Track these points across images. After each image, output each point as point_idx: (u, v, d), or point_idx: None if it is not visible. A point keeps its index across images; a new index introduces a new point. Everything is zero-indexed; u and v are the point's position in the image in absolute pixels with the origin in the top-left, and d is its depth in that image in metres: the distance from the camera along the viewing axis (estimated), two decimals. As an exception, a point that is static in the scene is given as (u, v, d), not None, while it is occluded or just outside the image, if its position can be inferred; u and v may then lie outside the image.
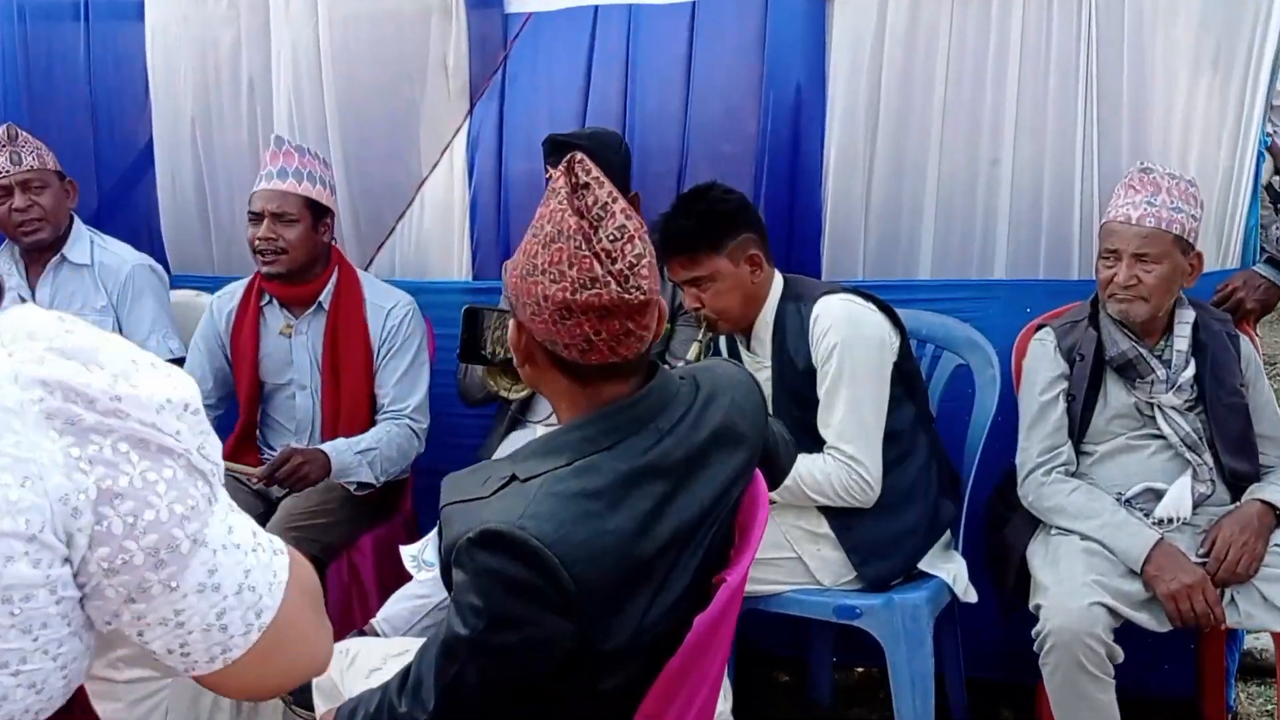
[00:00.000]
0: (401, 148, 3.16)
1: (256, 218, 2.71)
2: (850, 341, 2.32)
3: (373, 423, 2.81)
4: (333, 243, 2.86)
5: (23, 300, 2.89)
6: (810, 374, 2.36)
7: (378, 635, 2.38)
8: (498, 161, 3.09)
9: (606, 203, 1.27)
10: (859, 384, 2.32)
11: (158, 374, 0.86)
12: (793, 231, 2.85)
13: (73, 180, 3.07)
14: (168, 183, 3.40)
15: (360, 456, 2.68)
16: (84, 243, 3.03)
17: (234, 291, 2.90)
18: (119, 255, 3.04)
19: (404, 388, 2.80)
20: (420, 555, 1.73)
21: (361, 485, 2.71)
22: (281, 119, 3.21)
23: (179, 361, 2.93)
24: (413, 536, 2.90)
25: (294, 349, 2.84)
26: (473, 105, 3.11)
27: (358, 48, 3.09)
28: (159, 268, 3.11)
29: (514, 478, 1.29)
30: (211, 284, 3.27)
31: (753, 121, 2.86)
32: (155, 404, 0.84)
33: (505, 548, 1.21)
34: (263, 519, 2.69)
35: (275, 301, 2.84)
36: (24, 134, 2.92)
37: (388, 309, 2.82)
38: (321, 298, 2.80)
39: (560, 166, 1.30)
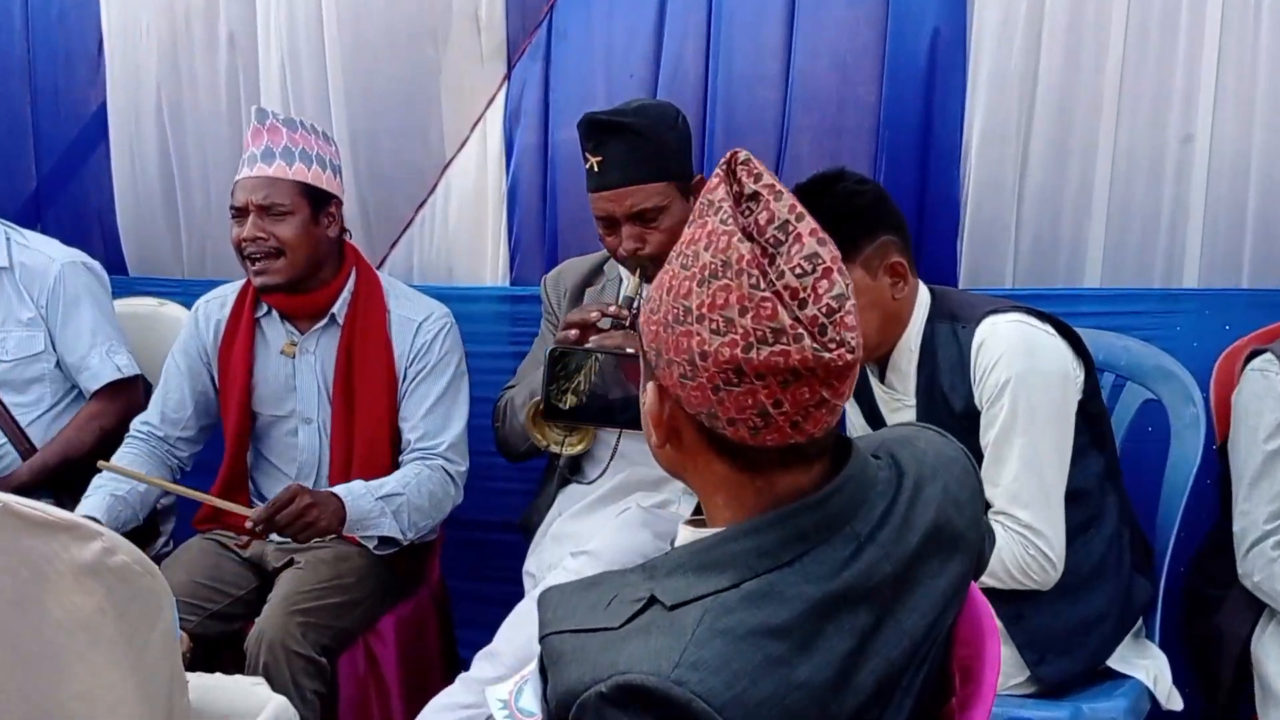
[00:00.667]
0: (421, 121, 2.98)
1: (240, 213, 2.46)
2: (1026, 377, 2.07)
3: (396, 465, 2.57)
4: (347, 238, 2.63)
5: None
6: (971, 418, 2.11)
7: None
8: (543, 138, 2.90)
9: (788, 220, 1.08)
10: (1037, 432, 2.07)
11: None
12: (922, 228, 2.62)
13: None
14: (125, 163, 3.25)
15: (382, 504, 2.41)
16: None
17: (224, 298, 2.67)
18: (43, 253, 2.80)
19: (436, 421, 2.55)
20: (513, 701, 1.58)
21: (383, 542, 2.46)
22: (271, 85, 3.03)
23: (129, 382, 2.78)
24: (444, 615, 2.76)
25: (298, 372, 2.59)
26: (511, 68, 2.91)
27: (366, -3, 2.90)
28: (96, 265, 2.88)
29: (654, 600, 1.11)
30: (179, 289, 3.16)
31: (872, 88, 2.63)
32: None
33: (657, 709, 1.02)
34: (258, 594, 2.49)
35: (275, 313, 2.59)
36: None
37: (418, 322, 2.58)
38: (334, 308, 2.56)
39: (719, 169, 1.11)
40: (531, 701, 1.44)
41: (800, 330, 1.04)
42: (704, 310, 1.07)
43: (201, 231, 3.18)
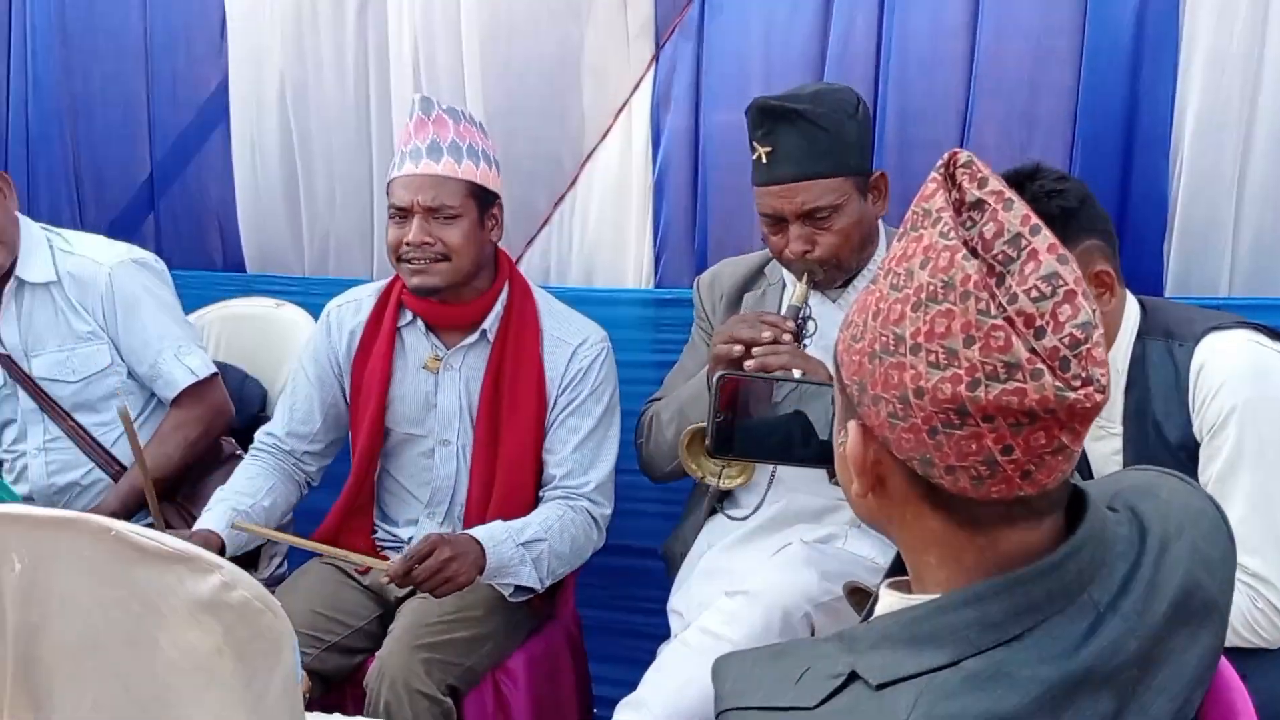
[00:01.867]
0: (561, 106, 2.99)
1: (403, 214, 2.45)
2: (1255, 405, 1.99)
3: (536, 502, 2.56)
4: (499, 246, 2.63)
5: None
6: (1188, 450, 2.05)
7: None
8: (693, 125, 2.91)
9: (1021, 234, 1.00)
10: (1266, 468, 1.99)
11: None
12: (1123, 226, 2.55)
13: (4, 173, 2.82)
14: (245, 152, 3.32)
15: (524, 550, 2.41)
16: (41, 252, 2.78)
17: (360, 301, 2.67)
18: (90, 258, 2.79)
19: (585, 458, 2.54)
20: None
21: (518, 589, 2.46)
22: (403, 66, 3.06)
23: (207, 382, 2.79)
24: (577, 649, 2.76)
25: (440, 389, 2.59)
26: (659, 48, 2.91)
27: (506, -34, 2.91)
28: (149, 258, 2.87)
29: (855, 677, 1.06)
30: (298, 289, 3.22)
31: (1068, 70, 2.58)
32: None
33: None
34: (380, 625, 2.52)
35: (420, 322, 2.59)
36: None
37: (574, 346, 2.57)
38: (486, 323, 2.55)
39: (936, 173, 1.04)
40: None
41: (1039, 364, 0.98)
42: (920, 339, 1.01)
43: (325, 226, 3.23)
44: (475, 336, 2.57)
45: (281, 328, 2.96)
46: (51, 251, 2.78)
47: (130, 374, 2.80)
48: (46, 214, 3.24)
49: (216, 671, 1.61)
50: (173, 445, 2.73)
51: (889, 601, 1.16)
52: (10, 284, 2.75)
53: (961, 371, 0.98)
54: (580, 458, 2.54)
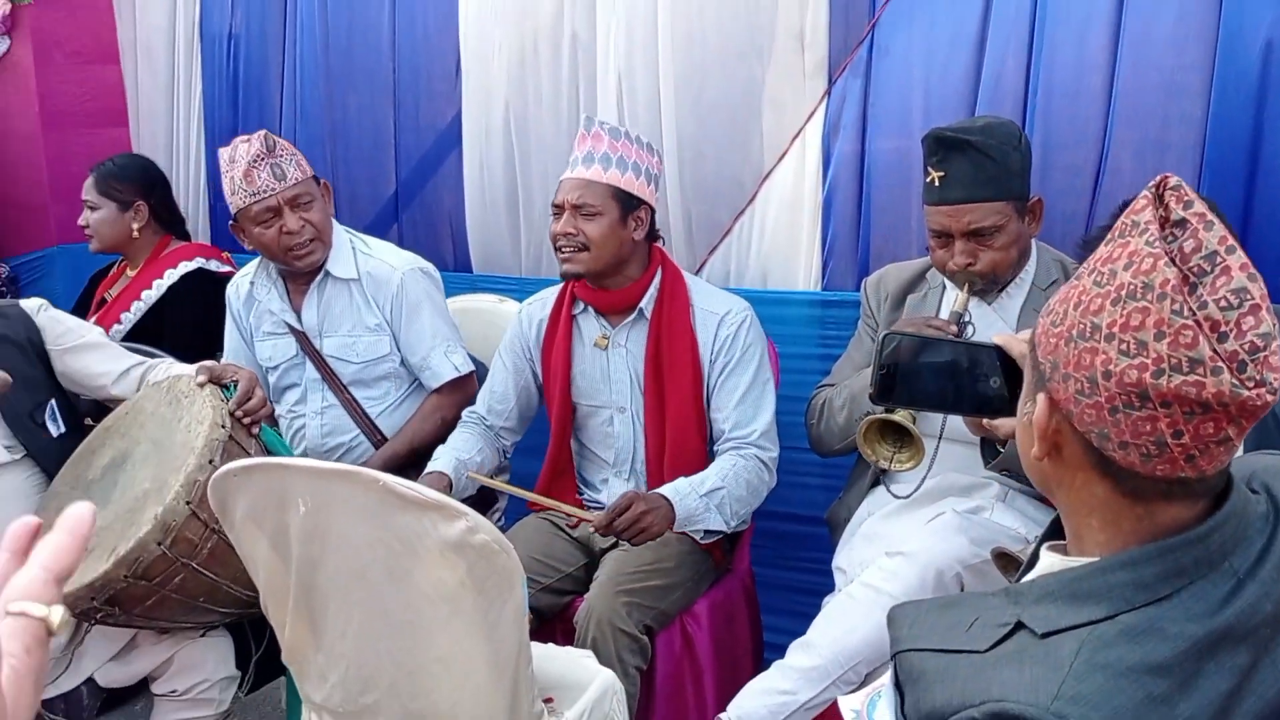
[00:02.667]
0: (744, 134, 3.03)
1: (558, 210, 2.62)
2: None
3: (707, 454, 2.68)
4: (659, 243, 2.74)
5: (290, 328, 2.89)
6: None
7: None
8: (859, 149, 2.93)
9: (1217, 252, 1.01)
10: None
11: None
12: (1246, 240, 2.52)
13: (326, 181, 2.99)
14: (475, 172, 3.43)
15: (707, 500, 2.54)
16: (346, 251, 2.95)
17: (545, 298, 2.82)
18: (386, 262, 2.95)
19: (747, 410, 2.63)
20: (866, 711, 1.49)
21: (708, 533, 2.58)
22: (608, 100, 3.16)
23: (466, 377, 2.94)
24: (752, 601, 2.82)
25: (611, 364, 2.72)
26: (831, 83, 2.93)
27: (699, 17, 2.99)
28: (431, 269, 3.01)
29: (1021, 626, 1.08)
30: (516, 288, 3.30)
31: (1198, 103, 2.54)
32: None
33: None
34: (586, 572, 2.65)
35: (590, 309, 2.73)
36: (281, 141, 2.86)
37: (721, 315, 2.66)
38: (642, 304, 2.67)
39: (1147, 192, 1.06)
40: (886, 714, 1.38)
41: (1219, 363, 0.99)
42: (1115, 329, 1.03)
43: (539, 234, 3.32)
44: (634, 315, 2.67)
45: (502, 320, 3.05)
46: (354, 253, 2.94)
47: (402, 362, 2.94)
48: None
49: (460, 602, 1.80)
50: (430, 424, 2.88)
51: (1049, 562, 1.17)
52: (319, 275, 2.91)
53: (1149, 360, 1.00)
54: (743, 411, 2.62)
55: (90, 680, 2.41)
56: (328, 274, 2.92)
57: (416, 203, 3.56)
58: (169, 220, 3.42)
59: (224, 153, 2.86)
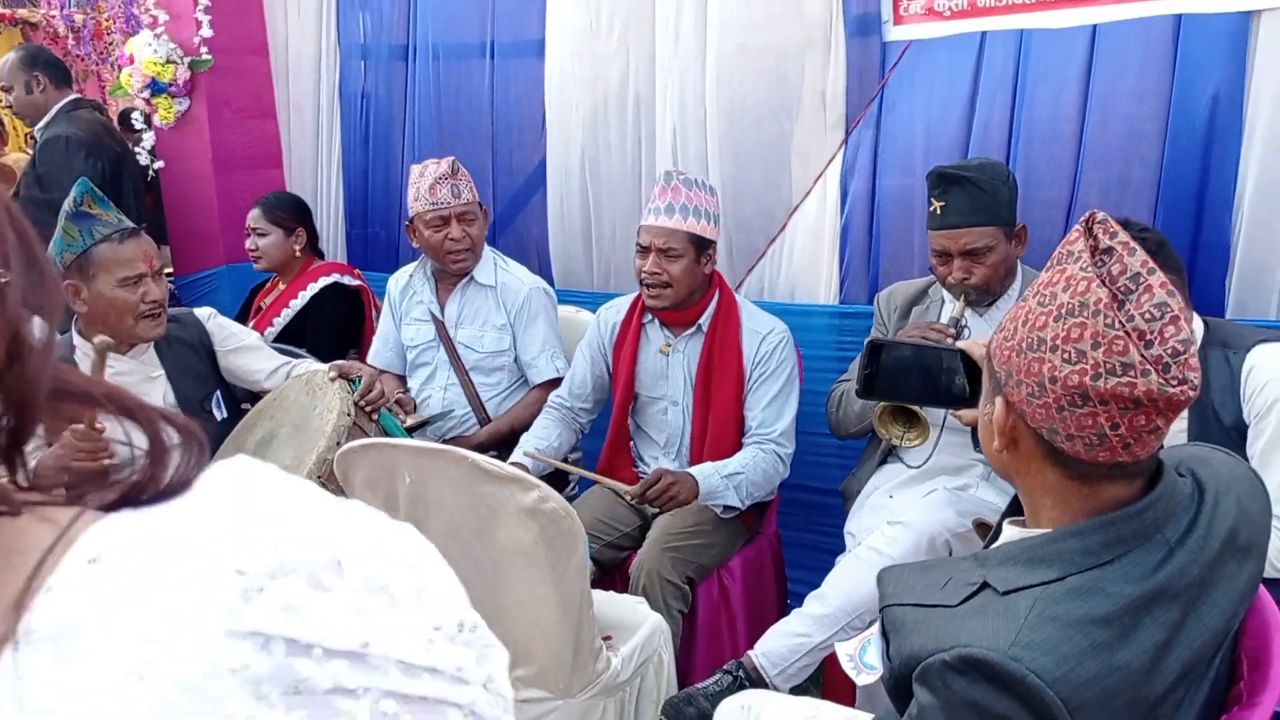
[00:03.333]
0: (775, 176, 3.02)
1: (644, 251, 2.61)
2: None
3: (738, 444, 2.67)
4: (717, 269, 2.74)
5: (433, 316, 2.92)
6: (1240, 430, 2.02)
7: (757, 668, 2.25)
8: (871, 189, 2.90)
9: (1139, 273, 1.01)
10: None
11: (417, 577, 0.50)
12: (1194, 265, 2.48)
13: (487, 209, 3.06)
14: (557, 208, 3.42)
15: (726, 481, 2.55)
16: (489, 264, 3.03)
17: (620, 306, 2.83)
18: (518, 278, 3.02)
19: (772, 412, 2.63)
20: (858, 656, 1.50)
21: (727, 508, 2.59)
22: (665, 149, 3.14)
23: (561, 378, 2.94)
24: (778, 558, 2.82)
25: (670, 366, 2.72)
26: (848, 134, 2.91)
27: (740, 81, 2.97)
28: (551, 291, 3.08)
29: (986, 585, 1.07)
30: (589, 300, 3.28)
31: (1155, 148, 2.50)
32: (423, 634, 0.48)
33: (994, 680, 0.98)
34: (640, 532, 2.65)
35: (657, 321, 2.74)
36: (462, 169, 2.95)
37: (763, 334, 2.65)
38: (701, 320, 2.68)
39: (1079, 226, 1.06)
40: (875, 658, 1.39)
41: (1148, 366, 0.99)
42: (1058, 341, 1.02)
43: (608, 258, 3.34)
44: (694, 329, 2.68)
45: (579, 327, 3.07)
46: (495, 267, 3.02)
47: (515, 359, 2.99)
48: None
49: (534, 556, 1.84)
50: (529, 412, 2.90)
51: (1009, 533, 1.17)
52: (465, 279, 2.98)
53: (1088, 366, 1.00)
54: (770, 412, 2.62)
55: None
56: (472, 279, 2.99)
57: (509, 231, 3.58)
58: (313, 243, 3.47)
59: (415, 168, 2.96)
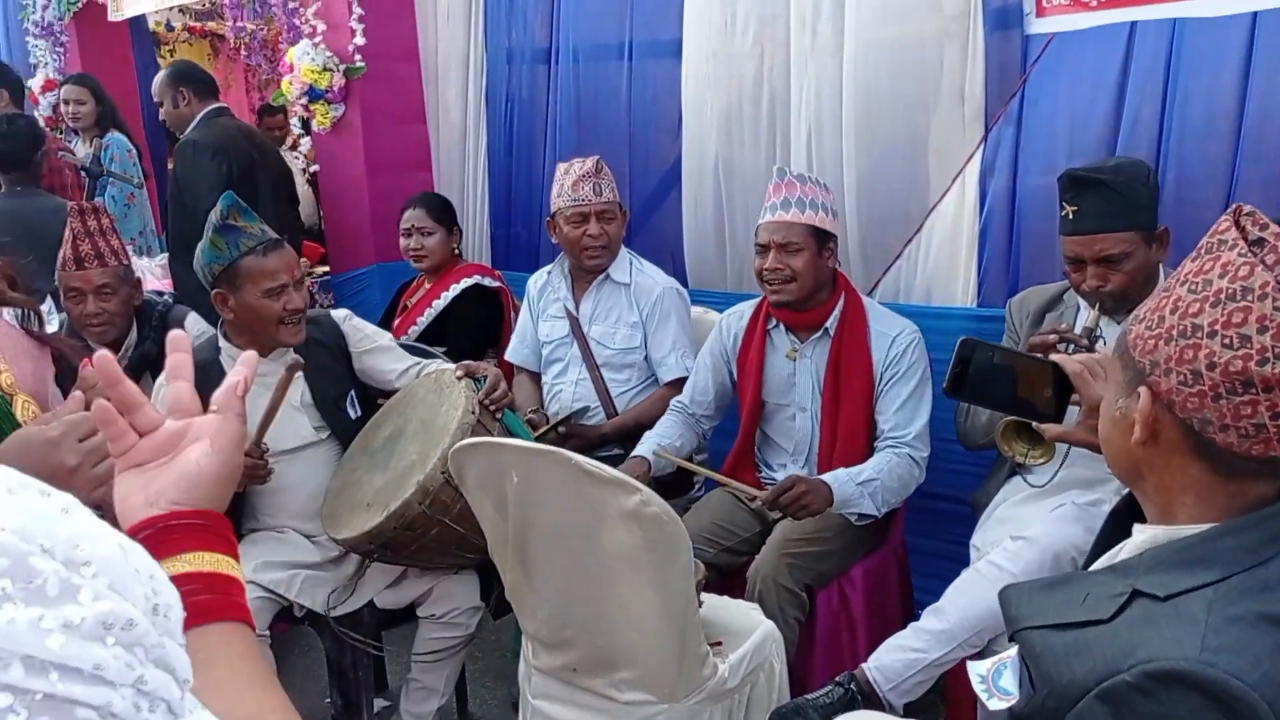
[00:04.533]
0: (911, 174, 2.98)
1: (763, 249, 2.62)
2: None
3: (869, 449, 2.65)
4: (837, 269, 2.72)
5: (568, 312, 3.01)
6: None
7: (870, 682, 2.25)
8: (1011, 187, 2.83)
9: None
10: None
11: (69, 569, 0.49)
12: None
13: (627, 209, 3.13)
14: (691, 208, 3.47)
15: (861, 488, 2.54)
16: (625, 263, 3.10)
17: (742, 312, 2.83)
18: (652, 278, 3.08)
19: (905, 415, 2.60)
20: (991, 678, 1.45)
21: (862, 515, 2.57)
22: (800, 148, 3.13)
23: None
24: (903, 568, 2.81)
25: (798, 372, 2.71)
26: (987, 131, 2.84)
27: (876, 77, 2.95)
28: (684, 292, 3.12)
29: (1138, 594, 1.03)
30: (722, 301, 3.30)
31: None
32: (58, 629, 0.48)
33: (1195, 690, 0.94)
34: (760, 537, 2.66)
35: (782, 326, 2.74)
36: (606, 168, 3.05)
37: (892, 336, 2.63)
38: (828, 324, 2.66)
39: (1227, 216, 1.05)
40: (1010, 683, 1.30)
41: None
42: (1217, 327, 1.00)
43: (741, 258, 3.32)
44: (820, 334, 2.66)
45: (709, 327, 2.99)
46: (630, 266, 3.10)
47: (646, 357, 3.05)
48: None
49: (636, 559, 1.86)
50: (657, 409, 2.94)
51: (1144, 537, 1.12)
52: (600, 277, 3.07)
53: (1253, 351, 0.98)
54: (902, 415, 2.59)
55: (370, 603, 2.58)
56: (608, 277, 3.06)
57: (645, 230, 3.64)
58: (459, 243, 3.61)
59: (561, 165, 3.09)
